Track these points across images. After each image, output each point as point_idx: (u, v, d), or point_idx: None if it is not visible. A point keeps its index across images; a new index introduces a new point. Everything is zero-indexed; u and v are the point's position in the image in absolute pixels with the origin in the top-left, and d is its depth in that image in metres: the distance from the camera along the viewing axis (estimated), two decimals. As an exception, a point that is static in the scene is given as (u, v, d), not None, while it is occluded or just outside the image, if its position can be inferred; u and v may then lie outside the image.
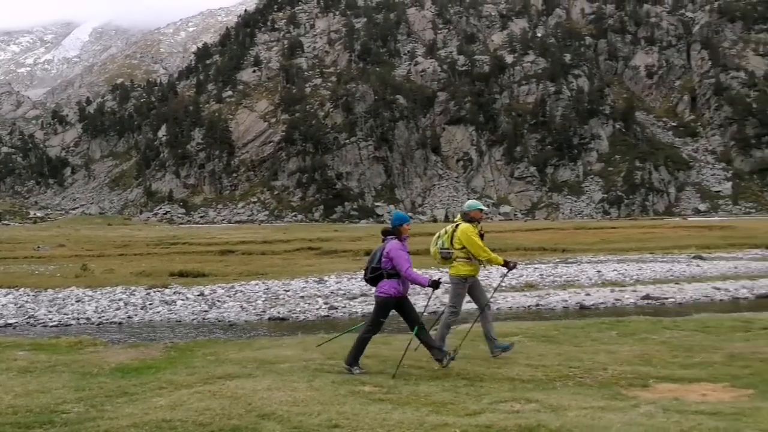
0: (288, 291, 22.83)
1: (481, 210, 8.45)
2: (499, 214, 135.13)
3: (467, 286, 8.31)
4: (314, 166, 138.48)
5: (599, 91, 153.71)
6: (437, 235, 8.58)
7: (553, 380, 7.20)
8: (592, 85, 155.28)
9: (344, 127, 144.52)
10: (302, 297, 21.65)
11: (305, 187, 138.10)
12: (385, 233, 7.82)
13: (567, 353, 8.59)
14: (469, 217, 8.34)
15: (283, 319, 18.27)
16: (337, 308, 19.39)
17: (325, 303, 20.23)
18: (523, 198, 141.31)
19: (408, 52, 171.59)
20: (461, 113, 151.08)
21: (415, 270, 7.57)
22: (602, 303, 19.33)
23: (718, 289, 21.42)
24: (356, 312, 18.95)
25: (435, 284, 7.50)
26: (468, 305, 9.50)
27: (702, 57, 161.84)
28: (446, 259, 8.32)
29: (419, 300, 20.94)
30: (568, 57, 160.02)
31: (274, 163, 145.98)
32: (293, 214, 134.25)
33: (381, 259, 7.61)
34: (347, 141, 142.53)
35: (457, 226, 8.34)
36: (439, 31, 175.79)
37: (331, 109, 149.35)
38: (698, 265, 30.02)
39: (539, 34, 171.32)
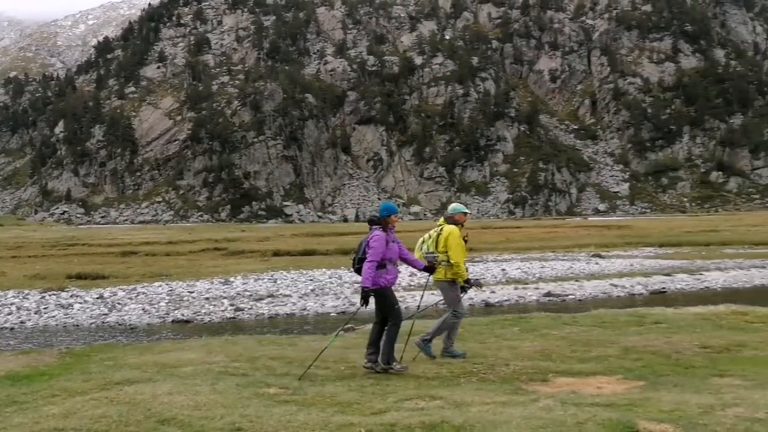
0: (193, 292, 22.29)
1: (465, 213, 8.47)
2: (409, 214, 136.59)
3: (458, 286, 8.29)
4: (221, 165, 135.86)
5: (505, 94, 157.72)
6: (421, 239, 8.51)
7: (457, 377, 7.29)
8: (499, 88, 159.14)
9: (252, 126, 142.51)
10: (207, 298, 21.19)
11: (212, 186, 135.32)
12: (372, 223, 7.72)
13: (471, 350, 8.73)
14: (453, 220, 8.31)
15: (187, 321, 17.82)
16: (243, 310, 19.06)
17: (231, 304, 19.86)
18: (433, 198, 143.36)
19: (317, 51, 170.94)
20: (371, 113, 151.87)
21: (380, 271, 7.39)
22: (506, 300, 19.82)
23: (615, 285, 22.35)
24: (263, 314, 18.69)
25: (364, 295, 7.37)
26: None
27: (601, 63, 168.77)
28: (432, 263, 8.22)
29: (327, 301, 20.90)
30: (475, 60, 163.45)
31: (180, 161, 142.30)
32: (199, 214, 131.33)
33: (365, 250, 7.49)
34: (255, 140, 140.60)
35: (441, 229, 8.27)
36: (349, 31, 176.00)
37: (238, 108, 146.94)
38: (597, 263, 31.24)
39: (447, 37, 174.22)
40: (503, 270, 28.08)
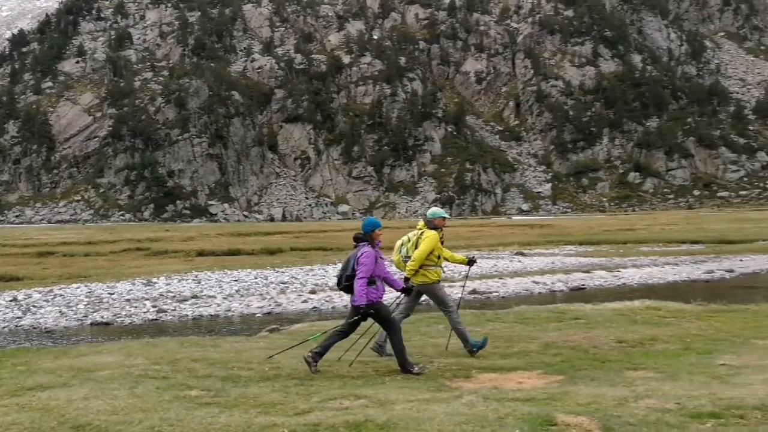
0: (113, 294, 21.64)
1: (444, 218, 8.53)
2: (338, 213, 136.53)
3: (442, 286, 8.40)
4: (144, 163, 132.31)
5: (432, 95, 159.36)
6: (400, 242, 8.50)
7: (382, 375, 7.32)
8: (426, 89, 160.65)
9: (176, 123, 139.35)
10: (128, 300, 20.61)
11: (134, 184, 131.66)
12: (358, 240, 7.66)
13: (397, 348, 8.76)
14: (432, 225, 8.36)
15: (107, 323, 17.29)
16: (166, 311, 18.63)
17: (154, 306, 19.38)
18: (361, 197, 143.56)
19: (244, 48, 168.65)
20: (299, 111, 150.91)
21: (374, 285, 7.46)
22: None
23: (537, 283, 22.88)
24: (187, 315, 18.31)
25: (361, 312, 7.47)
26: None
27: (525, 66, 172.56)
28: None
29: (253, 302, 20.63)
30: (403, 60, 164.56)
31: (100, 159, 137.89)
32: (121, 213, 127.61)
33: (354, 267, 7.46)
34: (179, 137, 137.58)
35: (421, 233, 8.31)
36: (276, 29, 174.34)
37: (162, 105, 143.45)
38: (520, 261, 31.93)
39: (375, 37, 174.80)
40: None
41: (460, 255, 8.71)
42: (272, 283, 24.34)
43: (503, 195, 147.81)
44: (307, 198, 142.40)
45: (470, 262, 8.69)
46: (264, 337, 10.55)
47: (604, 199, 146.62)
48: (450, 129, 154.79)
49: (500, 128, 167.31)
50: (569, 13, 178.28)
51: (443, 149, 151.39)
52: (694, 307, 12.22)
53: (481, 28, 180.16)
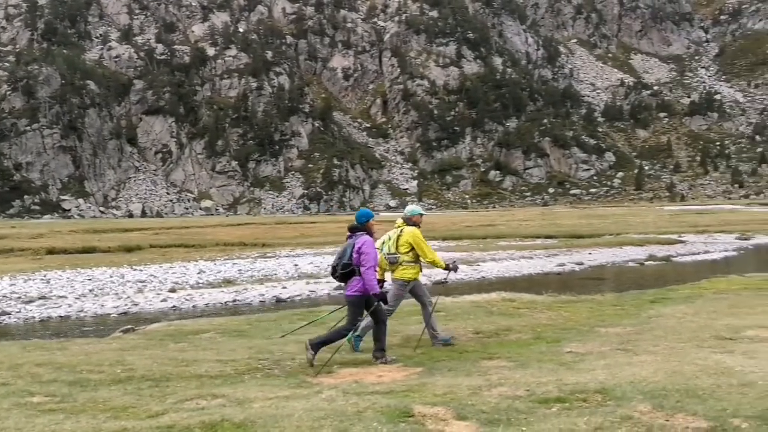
0: (-52, 296, 19.91)
1: (422, 214, 8.78)
2: (200, 209, 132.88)
3: (408, 288, 8.45)
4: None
5: (299, 90, 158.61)
6: (381, 241, 8.40)
7: (242, 374, 7.16)
8: (293, 84, 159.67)
9: (24, 113, 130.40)
10: (-33, 302, 19.02)
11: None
12: (353, 230, 7.64)
13: (258, 346, 8.63)
14: (411, 222, 8.54)
15: (-60, 328, 15.87)
16: (9, 314, 17.35)
17: (-5, 308, 18.00)
18: (225, 193, 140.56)
19: (100, 35, 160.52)
20: (160, 103, 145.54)
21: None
22: (298, 295, 19.88)
23: (401, 277, 23.25)
24: (33, 317, 17.13)
25: (378, 300, 7.48)
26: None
27: (392, 64, 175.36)
28: (393, 264, 8.30)
29: (108, 301, 19.66)
30: (269, 54, 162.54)
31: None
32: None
33: (352, 256, 7.38)
34: (28, 128, 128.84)
35: (401, 231, 8.43)
36: (136, 17, 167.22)
37: (8, 92, 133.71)
38: (385, 257, 32.35)
39: (241, 30, 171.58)
40: (296, 265, 28.20)
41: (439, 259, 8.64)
42: (129, 281, 23.29)
43: (371, 191, 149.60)
44: (168, 193, 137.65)
45: (448, 267, 8.76)
46: (117, 338, 10.04)
47: (467, 197, 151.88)
48: (317, 124, 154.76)
49: (367, 125, 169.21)
50: (434, 13, 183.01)
51: (310, 145, 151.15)
52: (545, 298, 12.85)
53: (349, 25, 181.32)
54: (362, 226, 7.71)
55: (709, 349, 7.32)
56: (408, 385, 6.23)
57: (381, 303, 7.64)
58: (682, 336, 8.21)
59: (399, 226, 8.60)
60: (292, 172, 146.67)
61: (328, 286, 21.44)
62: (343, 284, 7.74)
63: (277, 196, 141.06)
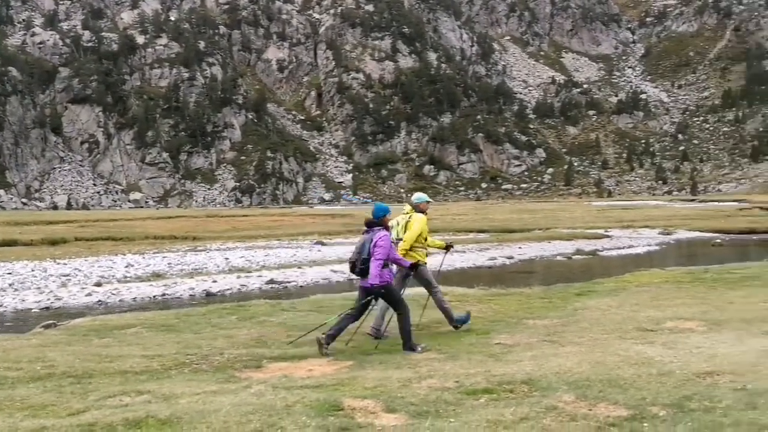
0: None
1: (428, 202, 9.12)
2: (129, 201, 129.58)
3: (428, 267, 8.93)
4: None
5: (233, 81, 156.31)
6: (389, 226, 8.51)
7: (168, 369, 7.01)
8: (226, 74, 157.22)
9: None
10: None
11: None
12: (371, 224, 7.86)
13: (186, 341, 8.47)
14: (419, 209, 8.88)
15: None
16: None
17: None
18: (155, 185, 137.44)
19: (23, 20, 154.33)
20: (87, 92, 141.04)
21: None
22: (228, 289, 19.61)
23: (335, 271, 23.22)
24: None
25: (374, 293, 7.74)
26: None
27: (327, 57, 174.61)
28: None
29: (29, 296, 18.96)
30: (202, 44, 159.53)
31: None
32: None
33: (370, 251, 7.61)
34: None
35: (409, 217, 8.79)
36: (61, 2, 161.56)
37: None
38: (319, 250, 32.26)
39: (173, 18, 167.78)
40: (227, 259, 27.80)
41: (439, 240, 9.46)
42: (52, 275, 22.51)
43: (305, 184, 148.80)
44: (95, 185, 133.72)
45: (447, 247, 9.39)
46: (38, 333, 9.68)
47: (402, 191, 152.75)
48: (251, 116, 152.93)
49: (302, 118, 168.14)
50: (370, 7, 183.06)
51: (244, 137, 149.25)
52: (476, 291, 13.05)
53: (284, 16, 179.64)
54: (379, 221, 7.94)
55: (631, 341, 7.55)
56: (338, 378, 6.22)
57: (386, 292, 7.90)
58: (606, 328, 8.45)
59: (408, 213, 8.95)
60: (225, 165, 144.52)
61: (259, 280, 21.22)
62: (362, 278, 7.91)
63: (209, 189, 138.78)
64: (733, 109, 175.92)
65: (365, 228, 7.94)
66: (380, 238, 7.66)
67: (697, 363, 6.26)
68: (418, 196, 9.11)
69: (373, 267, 7.55)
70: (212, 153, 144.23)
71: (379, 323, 8.63)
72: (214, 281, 20.79)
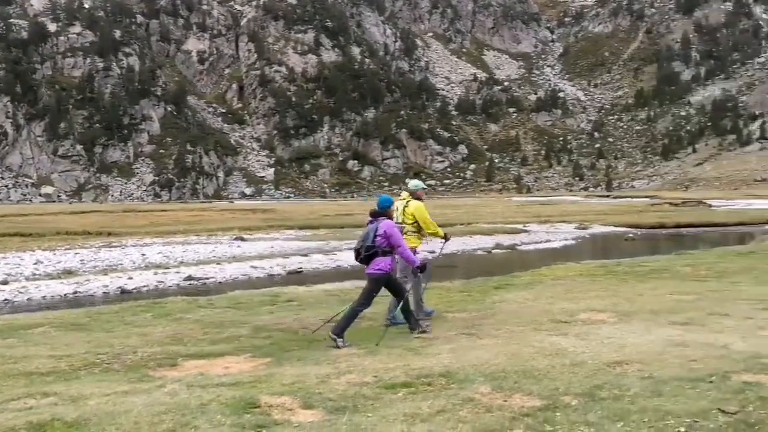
0: None
1: (424, 189, 9.50)
2: (41, 195, 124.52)
3: (419, 252, 9.15)
4: None
5: (151, 72, 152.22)
6: None
7: (77, 370, 6.75)
8: (144, 65, 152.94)
9: None
10: None
11: None
12: (376, 214, 8.11)
13: (97, 340, 8.18)
14: (416, 195, 9.20)
15: None
16: None
17: None
18: (69, 178, 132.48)
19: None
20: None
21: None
22: (145, 286, 19.07)
23: (256, 267, 22.90)
24: None
25: (422, 268, 8.26)
26: None
27: (249, 49, 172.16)
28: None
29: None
30: (118, 33, 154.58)
31: None
32: None
33: (374, 239, 7.86)
34: None
35: (408, 202, 9.07)
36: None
37: None
38: (239, 246, 31.75)
39: (87, 5, 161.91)
40: (143, 255, 27.03)
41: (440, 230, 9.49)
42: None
43: (226, 178, 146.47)
44: (3, 178, 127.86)
45: (446, 237, 9.58)
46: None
47: (325, 185, 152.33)
48: (170, 109, 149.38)
49: (223, 110, 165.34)
50: (292, 0, 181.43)
51: (162, 129, 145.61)
52: (398, 286, 13.09)
53: (204, 7, 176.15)
54: (384, 211, 8.23)
55: (546, 332, 7.74)
56: (255, 375, 6.13)
57: (419, 273, 8.49)
58: (522, 320, 8.63)
59: (405, 199, 9.24)
60: (143, 158, 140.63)
61: (177, 276, 20.72)
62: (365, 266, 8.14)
63: (126, 183, 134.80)
64: (646, 108, 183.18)
65: (370, 218, 8.22)
66: (387, 227, 8.00)
67: (607, 353, 6.46)
68: (415, 184, 9.48)
69: (406, 252, 8.11)
70: (129, 146, 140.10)
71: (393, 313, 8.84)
72: (130, 278, 20.17)
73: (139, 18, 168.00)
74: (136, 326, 9.14)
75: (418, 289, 9.19)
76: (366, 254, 7.97)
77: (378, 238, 7.90)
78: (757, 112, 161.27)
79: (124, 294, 17.83)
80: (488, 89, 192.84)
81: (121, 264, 24.27)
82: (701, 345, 6.70)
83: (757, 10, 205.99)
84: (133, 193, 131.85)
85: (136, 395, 5.51)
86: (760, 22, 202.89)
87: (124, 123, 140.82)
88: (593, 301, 10.10)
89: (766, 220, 43.42)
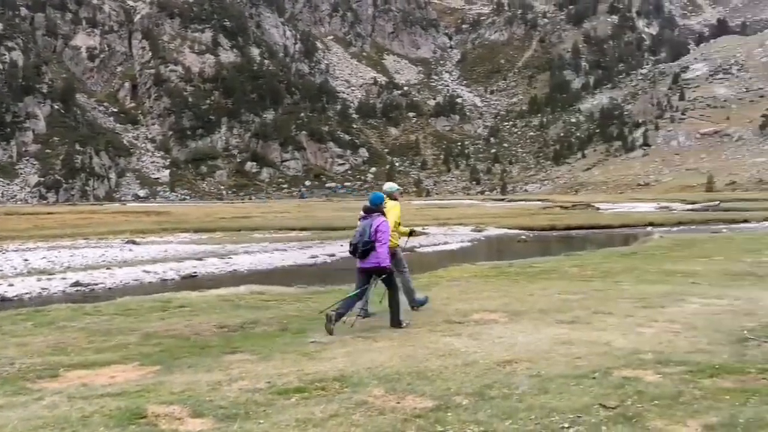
0: None
1: (400, 191, 9.90)
2: None
3: (400, 250, 9.72)
4: None
5: (36, 68, 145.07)
6: None
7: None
8: (28, 61, 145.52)
9: None
10: None
11: None
12: (369, 211, 8.47)
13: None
14: (393, 197, 9.54)
15: None
16: None
17: None
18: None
19: None
20: None
21: None
22: (27, 293, 18.08)
23: (148, 272, 22.17)
24: None
25: (386, 272, 8.56)
26: None
27: (143, 47, 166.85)
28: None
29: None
30: (0, 27, 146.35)
31: None
32: None
33: (371, 234, 8.25)
34: None
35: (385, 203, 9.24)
36: None
37: None
38: (131, 250, 30.66)
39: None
40: (26, 260, 25.63)
41: (403, 228, 9.83)
42: None
43: (118, 180, 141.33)
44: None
45: (411, 233, 9.98)
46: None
47: (223, 187, 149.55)
48: (57, 107, 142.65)
49: (115, 110, 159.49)
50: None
51: (49, 128, 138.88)
52: (295, 290, 13.00)
53: (94, 2, 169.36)
54: (377, 207, 8.57)
55: (440, 333, 7.87)
56: (143, 384, 5.91)
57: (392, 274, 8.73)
58: (417, 321, 8.74)
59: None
60: (27, 158, 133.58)
61: (63, 282, 19.76)
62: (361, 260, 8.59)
63: (9, 184, 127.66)
64: (539, 114, 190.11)
65: (363, 214, 8.59)
66: (381, 223, 8.37)
67: (498, 352, 6.63)
68: (391, 186, 9.89)
69: (383, 251, 8.33)
70: (12, 145, 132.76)
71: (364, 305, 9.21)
72: (11, 285, 19.05)
73: (24, 11, 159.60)
74: (14, 336, 8.61)
75: (407, 282, 9.65)
76: (363, 249, 8.40)
77: (377, 234, 8.32)
78: (640, 120, 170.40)
79: (3, 302, 16.82)
80: (388, 93, 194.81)
81: (1, 270, 22.93)
82: (586, 343, 6.98)
83: (640, 23, 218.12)
84: (16, 195, 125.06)
85: (12, 409, 5.23)
86: (643, 35, 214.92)
87: (6, 121, 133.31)
88: (486, 301, 10.35)
89: (648, 222, 45.88)
